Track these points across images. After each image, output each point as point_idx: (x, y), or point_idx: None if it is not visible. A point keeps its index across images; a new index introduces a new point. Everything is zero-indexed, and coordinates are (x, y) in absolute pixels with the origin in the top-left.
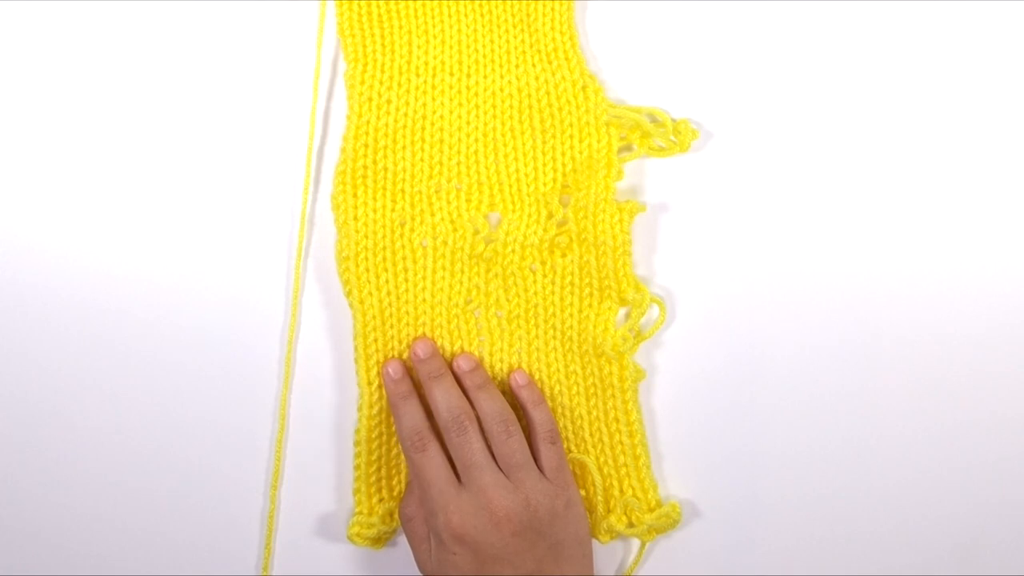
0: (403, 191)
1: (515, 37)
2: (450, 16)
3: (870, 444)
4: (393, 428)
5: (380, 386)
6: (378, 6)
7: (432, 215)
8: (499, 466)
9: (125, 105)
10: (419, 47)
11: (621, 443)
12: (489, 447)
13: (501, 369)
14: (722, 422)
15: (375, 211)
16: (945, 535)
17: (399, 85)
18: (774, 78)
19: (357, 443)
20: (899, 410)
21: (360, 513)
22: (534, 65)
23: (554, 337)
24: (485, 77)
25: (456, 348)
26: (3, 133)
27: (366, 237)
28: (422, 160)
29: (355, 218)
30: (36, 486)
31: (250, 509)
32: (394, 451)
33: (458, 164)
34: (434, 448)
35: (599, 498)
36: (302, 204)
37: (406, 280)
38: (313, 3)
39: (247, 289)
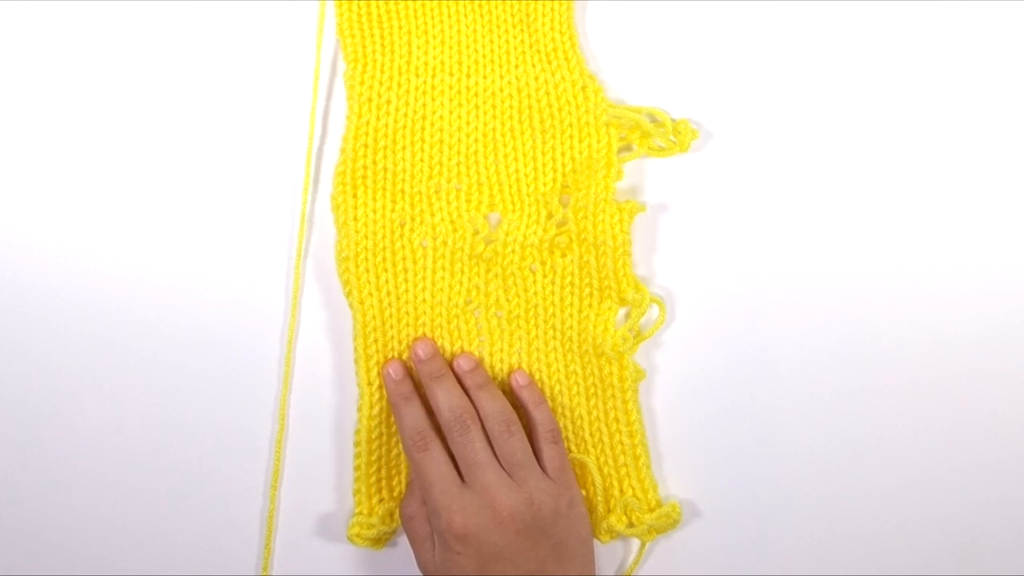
0: (403, 191)
1: (515, 37)
2: (450, 16)
3: (870, 444)
4: (393, 428)
5: (380, 386)
6: (378, 6)
7: (432, 215)
8: (501, 465)
9: (125, 105)
10: (419, 47)
11: (621, 443)
12: (491, 447)
13: (501, 369)
14: (722, 422)
15: (375, 211)
16: (945, 535)
17: (399, 85)
18: (774, 78)
19: (357, 443)
20: (899, 410)
21: (360, 514)
22: (534, 65)
23: (554, 337)
24: (485, 77)
25: (456, 348)
26: (3, 133)
27: (366, 237)
28: (422, 160)
29: (355, 218)
30: (36, 486)
31: (250, 509)
32: (394, 451)
33: (458, 164)
34: (436, 447)
35: (599, 498)
36: (302, 204)
37: (406, 280)
38: (313, 3)
39: (247, 289)
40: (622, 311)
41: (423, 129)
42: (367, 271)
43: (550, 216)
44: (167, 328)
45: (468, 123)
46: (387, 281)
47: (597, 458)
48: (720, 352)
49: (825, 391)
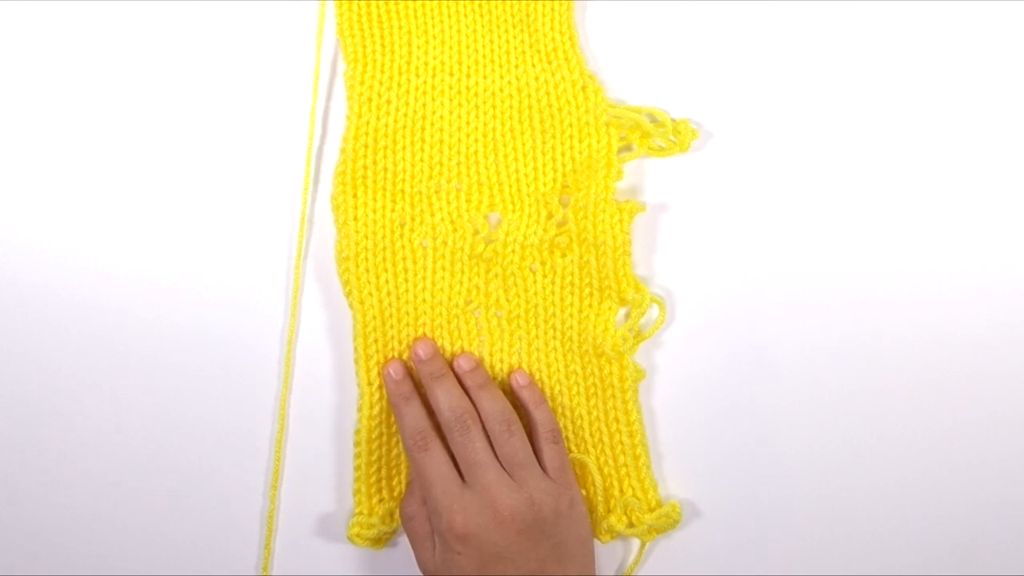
0: (403, 191)
1: (515, 37)
2: (450, 16)
3: (870, 444)
4: (393, 428)
5: (380, 386)
6: (378, 6)
7: (432, 215)
8: (502, 465)
9: (125, 105)
10: (419, 47)
11: (621, 443)
12: (491, 447)
13: (501, 369)
14: (722, 422)
15: (375, 211)
16: (945, 535)
17: (399, 85)
18: (774, 78)
19: (357, 443)
20: (899, 410)
21: (360, 514)
22: (534, 65)
23: (554, 337)
24: (485, 77)
25: (456, 348)
26: (3, 133)
27: (366, 237)
28: (422, 160)
29: (355, 218)
30: (36, 486)
31: (250, 509)
32: (394, 451)
33: (458, 164)
34: (437, 447)
35: (599, 498)
36: (302, 204)
37: (406, 280)
38: (313, 3)
39: (247, 289)
40: (622, 311)
41: (423, 129)
42: (367, 271)
43: (550, 216)
44: (167, 328)
45: (468, 123)
46: (387, 281)
47: (597, 458)
48: (720, 352)
49: (825, 391)
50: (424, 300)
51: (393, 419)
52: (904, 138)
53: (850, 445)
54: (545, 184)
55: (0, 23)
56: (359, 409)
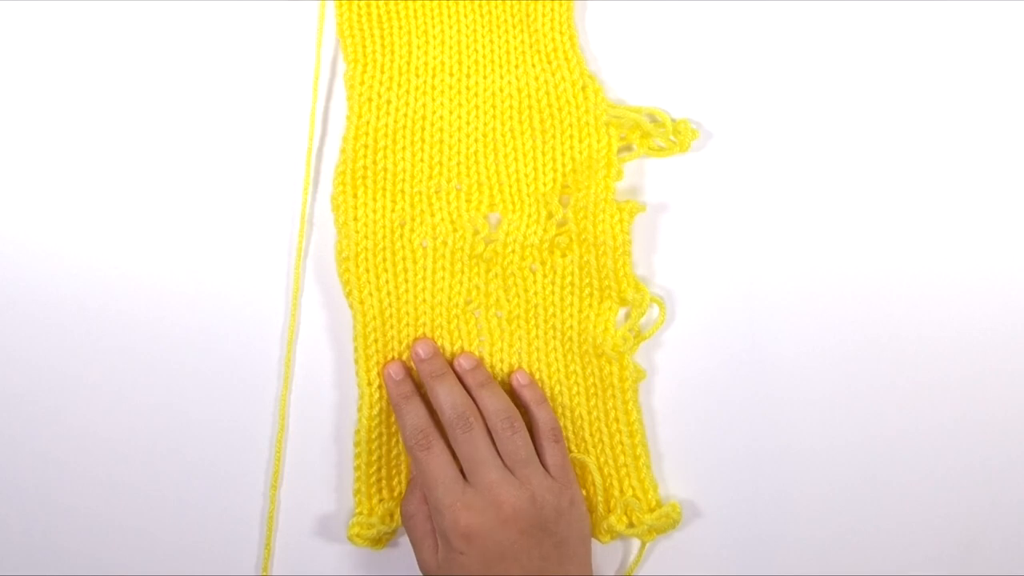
0: (403, 191)
1: (515, 37)
2: (450, 16)
3: (870, 444)
4: (393, 428)
5: (380, 386)
6: (378, 6)
7: (432, 215)
8: (504, 464)
9: (125, 105)
10: (419, 47)
11: (621, 443)
12: (494, 445)
13: (501, 369)
14: (722, 422)
15: (375, 212)
16: (945, 535)
17: (399, 86)
18: (774, 78)
19: (357, 443)
20: (899, 410)
21: (360, 513)
22: (534, 65)
23: (554, 337)
24: (485, 77)
25: (456, 348)
26: (3, 133)
27: (366, 238)
28: (422, 160)
29: (355, 219)
30: (36, 486)
31: (250, 509)
32: (394, 451)
33: (458, 164)
34: (439, 446)
35: (599, 498)
36: (302, 204)
37: (406, 280)
38: (313, 3)
39: (247, 289)
40: (622, 311)
41: (423, 129)
42: (367, 271)
43: (550, 216)
44: (167, 328)
45: (468, 123)
46: (387, 281)
47: (597, 458)
48: (720, 352)
49: (825, 391)
50: (424, 300)
51: (393, 419)
52: (904, 138)
53: (850, 445)
54: (545, 184)
55: (0, 23)
56: (359, 409)
